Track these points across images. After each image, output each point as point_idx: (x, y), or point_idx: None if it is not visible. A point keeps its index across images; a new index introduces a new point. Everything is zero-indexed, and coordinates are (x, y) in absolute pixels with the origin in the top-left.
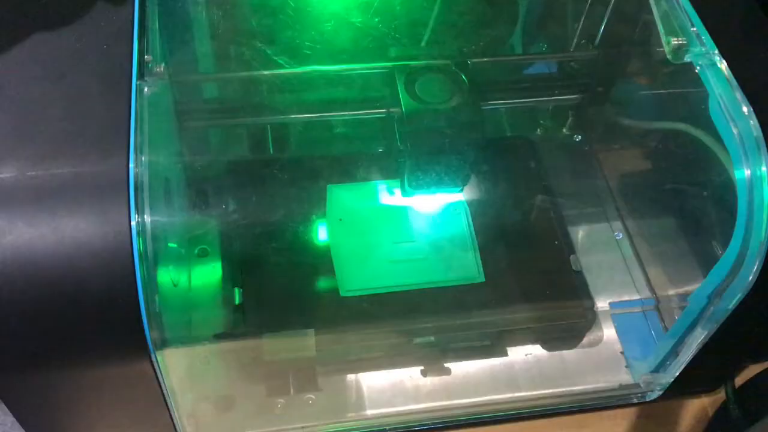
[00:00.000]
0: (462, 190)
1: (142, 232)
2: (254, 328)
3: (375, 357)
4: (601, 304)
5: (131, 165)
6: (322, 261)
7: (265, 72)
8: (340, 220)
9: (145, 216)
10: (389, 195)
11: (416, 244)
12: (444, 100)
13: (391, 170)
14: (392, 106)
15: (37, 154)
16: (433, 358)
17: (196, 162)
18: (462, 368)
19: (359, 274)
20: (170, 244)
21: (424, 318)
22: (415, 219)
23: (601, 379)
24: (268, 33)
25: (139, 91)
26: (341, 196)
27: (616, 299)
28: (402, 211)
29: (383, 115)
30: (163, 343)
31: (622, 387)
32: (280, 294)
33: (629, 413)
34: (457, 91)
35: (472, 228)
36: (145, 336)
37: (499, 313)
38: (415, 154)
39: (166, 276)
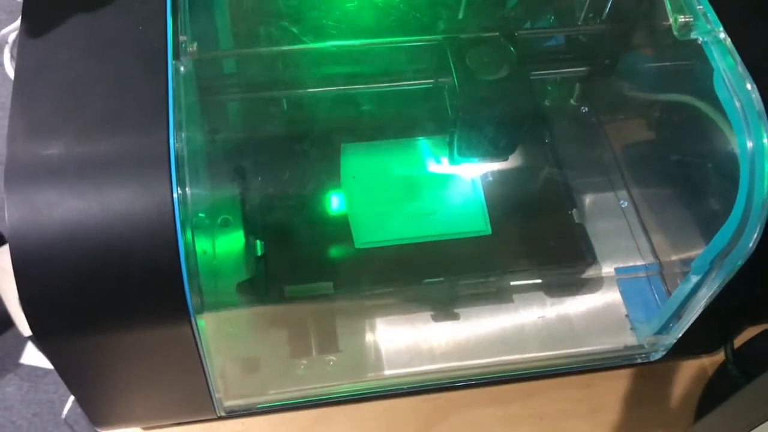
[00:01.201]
0: (507, 159)
1: (183, 203)
2: (276, 278)
3: (389, 303)
4: (607, 269)
5: (171, 140)
6: (338, 217)
7: (292, 47)
8: (354, 177)
9: (186, 188)
10: (402, 153)
11: (427, 199)
12: (494, 71)
13: (406, 129)
14: (441, 77)
15: (82, 132)
16: (443, 304)
17: (218, 136)
18: (473, 329)
19: (373, 228)
20: (200, 215)
21: (434, 266)
22: (427, 176)
23: (607, 340)
24: (296, 13)
25: (176, 70)
26: (355, 154)
27: (622, 265)
28: (414, 169)
29: (430, 86)
30: (201, 308)
31: (626, 348)
32: (299, 247)
33: (633, 373)
34: (506, 63)
35: (480, 185)
36: (187, 301)
37: (504, 260)
38: (467, 123)
39: (200, 245)
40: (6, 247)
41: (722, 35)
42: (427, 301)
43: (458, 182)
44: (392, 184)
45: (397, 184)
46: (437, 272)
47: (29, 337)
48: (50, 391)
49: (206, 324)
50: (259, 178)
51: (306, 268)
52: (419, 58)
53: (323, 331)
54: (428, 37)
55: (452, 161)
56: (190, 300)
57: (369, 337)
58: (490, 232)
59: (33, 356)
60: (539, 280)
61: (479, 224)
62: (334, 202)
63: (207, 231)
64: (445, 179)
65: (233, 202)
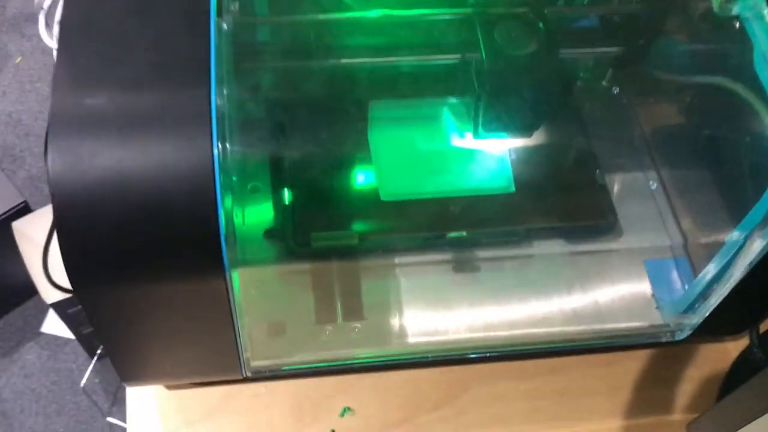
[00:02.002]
0: (531, 135)
1: (223, 159)
2: (302, 225)
3: (413, 263)
4: (635, 248)
5: (213, 95)
6: (365, 171)
7: (325, 16)
8: (382, 133)
9: (226, 144)
10: (429, 112)
11: (453, 156)
12: (522, 47)
13: (434, 89)
14: (468, 52)
15: (125, 83)
16: (467, 267)
17: (253, 97)
18: (498, 301)
19: (399, 182)
20: (234, 178)
21: (458, 221)
22: (453, 134)
23: (633, 319)
24: None
25: (218, 27)
26: (383, 112)
27: (649, 244)
28: (441, 127)
29: (456, 61)
30: (235, 263)
31: (651, 327)
32: (327, 198)
33: (656, 353)
34: (535, 39)
35: (506, 145)
36: (222, 254)
37: (527, 217)
38: (492, 98)
39: (234, 204)
40: (29, 216)
41: (766, 11)
42: (452, 263)
43: (484, 141)
44: (419, 140)
45: (423, 140)
46: (460, 226)
47: (51, 305)
48: (69, 361)
49: (240, 280)
50: (291, 135)
51: (332, 218)
52: (448, 31)
53: (349, 296)
54: (457, 10)
55: (476, 135)
56: (226, 255)
57: (394, 306)
58: (513, 189)
59: (54, 325)
60: (562, 240)
61: (503, 182)
62: (362, 156)
63: (240, 194)
64: (470, 137)
65: (264, 167)
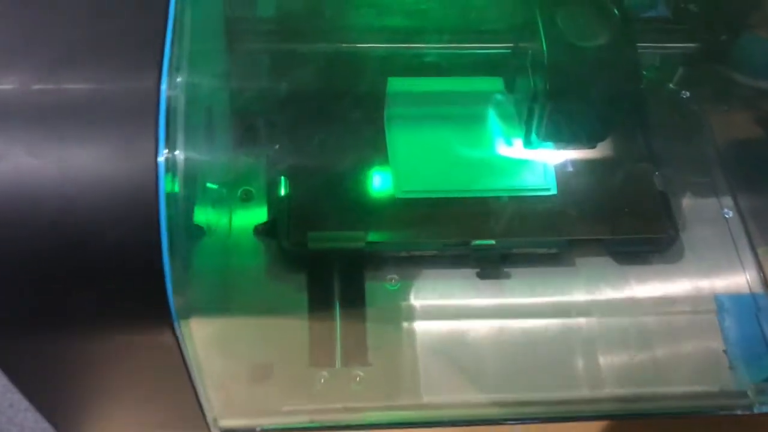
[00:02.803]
0: (596, 146)
1: (171, 170)
2: (299, 222)
3: (427, 264)
4: (703, 291)
5: (164, 84)
6: (378, 160)
7: None
8: (400, 116)
9: (177, 151)
10: (455, 94)
11: (482, 148)
12: (593, 38)
13: (472, 81)
14: (523, 41)
15: (47, 64)
16: (493, 272)
17: (245, 91)
18: (534, 355)
19: (418, 176)
20: (209, 185)
21: (485, 226)
22: (483, 121)
23: (696, 381)
24: None
25: None
26: (402, 91)
27: (722, 288)
28: (468, 112)
29: (508, 50)
30: (189, 311)
31: (723, 393)
32: (329, 190)
33: (727, 422)
34: (609, 27)
35: None
36: (168, 303)
37: (570, 226)
38: (555, 101)
39: (201, 224)
40: None
41: None
42: (477, 286)
43: (519, 131)
44: (443, 128)
45: (448, 127)
46: (488, 233)
47: None
48: None
49: (199, 328)
50: (287, 118)
51: (334, 214)
52: (497, 14)
53: (351, 331)
54: None
55: (528, 144)
56: (173, 302)
57: (406, 350)
58: (555, 191)
59: None
60: (609, 259)
61: (542, 181)
62: (374, 143)
63: (220, 205)
64: (503, 126)
65: (258, 172)
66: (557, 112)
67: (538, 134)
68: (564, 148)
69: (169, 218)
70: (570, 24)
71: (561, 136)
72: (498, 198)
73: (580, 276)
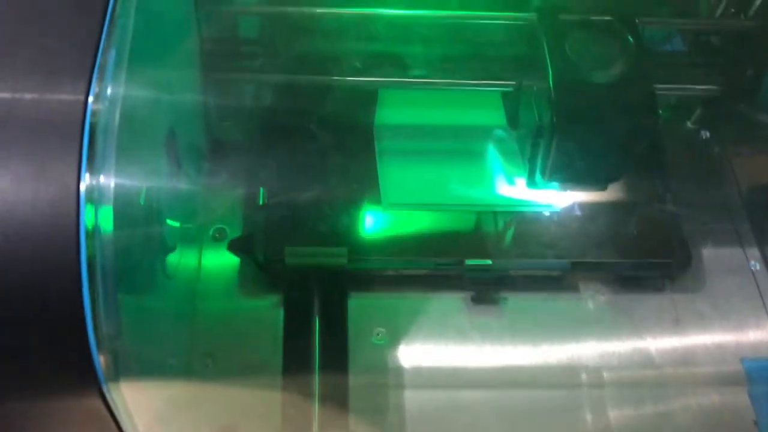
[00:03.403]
0: (606, 188)
1: (97, 200)
2: (276, 235)
3: (417, 287)
4: (730, 357)
5: (90, 95)
6: (364, 167)
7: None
8: (390, 123)
9: (103, 176)
10: (450, 99)
11: (479, 159)
12: (605, 68)
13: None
14: (529, 74)
15: None
16: (489, 296)
17: (222, 116)
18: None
19: (407, 185)
20: (170, 222)
21: (480, 244)
22: (481, 130)
23: None
24: None
25: None
26: (394, 99)
27: (749, 348)
28: (465, 120)
29: (509, 89)
30: (115, 373)
31: None
32: (310, 201)
33: None
34: (623, 58)
35: None
36: (93, 361)
37: (572, 242)
38: (562, 138)
39: (149, 267)
40: None
41: None
42: (472, 312)
43: (518, 142)
44: (437, 136)
45: (442, 135)
46: (483, 252)
47: None
48: None
49: (143, 391)
50: (272, 183)
51: (315, 228)
52: (498, 43)
53: (329, 397)
54: (512, 14)
55: (532, 184)
56: (98, 362)
57: (393, 416)
58: (557, 208)
59: None
60: (615, 285)
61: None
62: (361, 149)
63: (187, 244)
64: (503, 136)
65: (235, 208)
66: (564, 149)
67: (543, 173)
68: (571, 189)
69: (95, 257)
70: (580, 54)
71: (568, 176)
72: (495, 214)
73: (590, 322)
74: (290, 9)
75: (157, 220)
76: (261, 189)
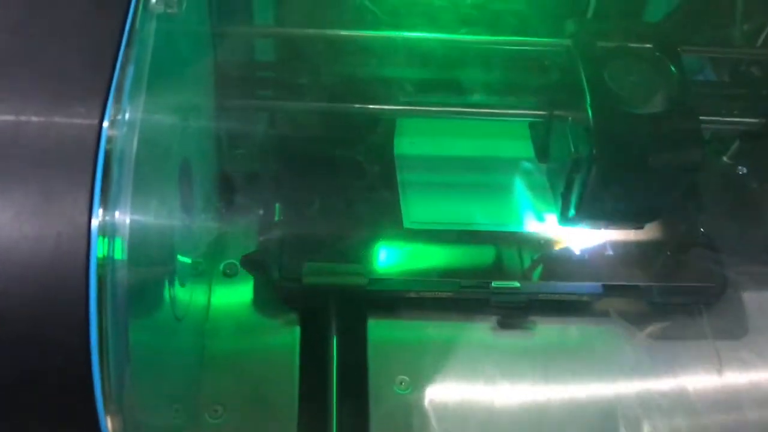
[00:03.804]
0: (643, 227)
1: (110, 239)
2: (293, 252)
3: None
4: None
5: (105, 120)
6: (386, 186)
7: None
8: (412, 142)
9: (119, 212)
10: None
11: (505, 180)
12: (647, 99)
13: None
14: (562, 103)
15: None
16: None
17: (236, 146)
18: None
19: (430, 205)
20: (180, 258)
21: (506, 266)
22: (505, 150)
23: None
24: None
25: (143, 1)
26: (416, 127)
27: None
28: (489, 140)
29: (539, 119)
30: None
31: None
32: (329, 217)
33: None
34: (666, 88)
35: None
36: (98, 425)
37: (602, 269)
38: (602, 173)
39: (161, 312)
40: None
41: None
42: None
43: (552, 206)
44: (461, 155)
45: (467, 155)
46: (510, 274)
47: None
48: None
49: None
50: (288, 218)
51: (333, 246)
52: (528, 69)
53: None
54: (545, 41)
55: (564, 222)
56: (106, 423)
57: None
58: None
59: None
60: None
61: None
62: (383, 166)
63: (195, 281)
64: (526, 156)
65: (247, 243)
66: (603, 185)
67: (577, 211)
68: (607, 227)
69: (106, 306)
70: (621, 84)
71: (605, 214)
72: (523, 234)
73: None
74: (311, 31)
75: (169, 258)
76: (276, 205)
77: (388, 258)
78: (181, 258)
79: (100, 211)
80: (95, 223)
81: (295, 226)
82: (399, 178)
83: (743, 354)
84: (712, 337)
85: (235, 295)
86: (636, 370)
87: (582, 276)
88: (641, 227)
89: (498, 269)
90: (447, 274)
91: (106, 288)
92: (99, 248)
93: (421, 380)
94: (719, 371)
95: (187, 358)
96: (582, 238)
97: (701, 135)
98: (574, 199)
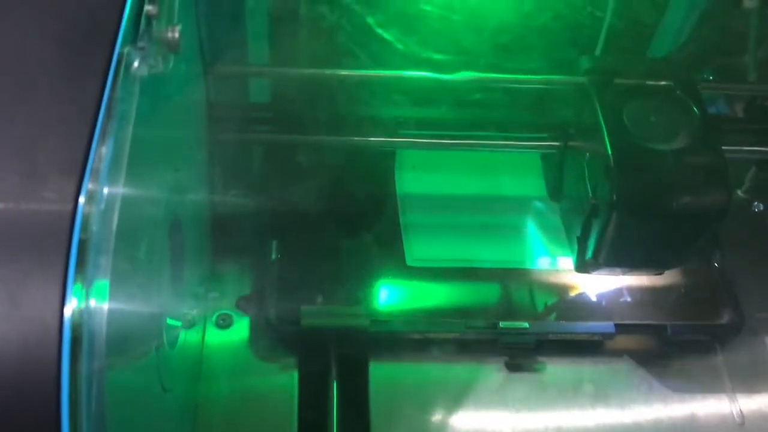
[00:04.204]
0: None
1: (86, 330)
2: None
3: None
4: None
5: (81, 197)
6: (387, 221)
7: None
8: (414, 167)
9: (93, 300)
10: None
11: (512, 212)
12: (668, 139)
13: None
14: (577, 137)
15: None
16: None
17: (229, 192)
18: None
19: (434, 242)
20: (170, 321)
21: (515, 305)
22: (512, 183)
23: None
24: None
25: (124, 63)
26: (421, 163)
27: None
28: (494, 172)
29: (552, 150)
30: None
31: None
32: (328, 256)
33: None
34: (688, 128)
35: None
36: None
37: (614, 307)
38: (623, 219)
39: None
40: None
41: None
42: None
43: (567, 250)
44: (464, 189)
45: (470, 189)
46: (518, 314)
47: None
48: None
49: None
50: (284, 265)
51: (333, 285)
52: (540, 109)
53: None
54: (561, 77)
55: (581, 268)
56: None
57: None
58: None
59: None
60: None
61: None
62: (384, 201)
63: (187, 339)
64: (534, 187)
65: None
66: (625, 231)
67: (596, 257)
68: (626, 273)
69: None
70: (641, 124)
71: (625, 260)
72: (531, 272)
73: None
74: (309, 71)
75: (157, 329)
76: (273, 242)
77: (391, 297)
78: (170, 322)
79: (74, 301)
80: (68, 312)
81: (293, 266)
82: (402, 216)
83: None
84: (728, 379)
85: (231, 338)
86: (650, 415)
87: (594, 315)
88: (661, 273)
89: (506, 308)
90: (452, 314)
91: (79, 390)
92: (71, 345)
93: (426, 427)
94: (738, 417)
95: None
96: (593, 278)
97: (728, 178)
98: (591, 245)
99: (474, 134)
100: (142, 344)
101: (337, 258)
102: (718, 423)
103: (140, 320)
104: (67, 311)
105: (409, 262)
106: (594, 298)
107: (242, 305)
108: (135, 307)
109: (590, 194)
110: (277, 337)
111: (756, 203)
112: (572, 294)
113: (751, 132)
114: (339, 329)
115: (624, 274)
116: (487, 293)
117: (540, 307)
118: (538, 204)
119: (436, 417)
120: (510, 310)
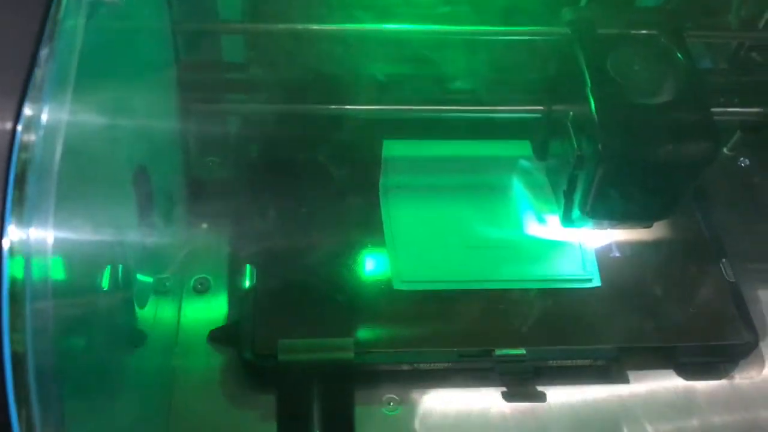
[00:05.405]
0: (652, 225)
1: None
2: (267, 325)
3: (437, 381)
4: None
5: (20, 116)
6: (372, 243)
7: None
8: (398, 187)
9: (39, 227)
10: (466, 160)
11: (502, 228)
12: (653, 89)
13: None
14: (562, 94)
15: None
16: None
17: (201, 152)
18: None
19: (421, 262)
20: (141, 277)
21: (510, 329)
22: (503, 194)
23: None
24: None
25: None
26: (401, 154)
27: None
28: (483, 183)
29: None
30: None
31: None
32: (307, 284)
33: None
34: (673, 76)
35: None
36: None
37: (618, 323)
38: (609, 169)
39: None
40: None
41: None
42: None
43: (554, 206)
44: (454, 202)
45: (460, 202)
46: (514, 340)
47: None
48: None
49: None
50: (260, 224)
51: (314, 315)
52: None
53: None
54: (539, 29)
55: (567, 222)
56: None
57: None
58: (598, 283)
59: None
60: (671, 373)
61: (580, 270)
62: (367, 220)
63: (161, 301)
64: (531, 199)
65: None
66: (611, 182)
67: (582, 210)
68: (613, 227)
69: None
70: (625, 74)
71: (612, 212)
72: (526, 292)
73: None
74: (282, 26)
75: (122, 278)
76: (248, 266)
77: (377, 325)
78: (141, 277)
79: (12, 228)
80: (5, 242)
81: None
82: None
83: None
84: (741, 400)
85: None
86: None
87: (595, 338)
88: (650, 226)
89: (501, 334)
90: (443, 342)
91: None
92: (12, 276)
93: None
94: None
95: (150, 384)
96: (594, 297)
97: (715, 125)
98: (578, 196)
99: (458, 100)
100: (101, 289)
101: (315, 286)
102: None
103: (96, 260)
104: (5, 243)
105: (396, 286)
106: (596, 320)
107: (213, 339)
108: (85, 244)
109: (576, 149)
110: (252, 373)
111: (742, 159)
112: (573, 316)
113: (735, 86)
114: (320, 366)
115: (611, 227)
116: (480, 317)
117: (538, 331)
118: (525, 163)
119: None
120: (506, 336)
